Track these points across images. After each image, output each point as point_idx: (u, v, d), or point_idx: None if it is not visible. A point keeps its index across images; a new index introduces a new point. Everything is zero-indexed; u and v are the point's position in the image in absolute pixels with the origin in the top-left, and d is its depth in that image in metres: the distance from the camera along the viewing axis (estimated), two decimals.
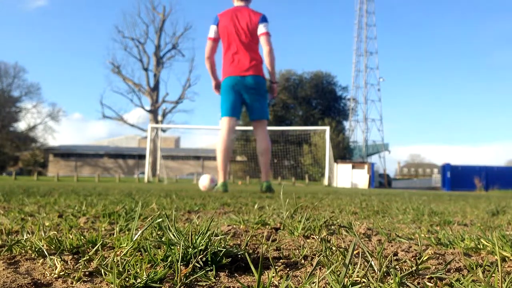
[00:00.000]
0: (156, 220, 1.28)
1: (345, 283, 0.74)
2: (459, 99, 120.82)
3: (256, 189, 7.97)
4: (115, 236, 1.19)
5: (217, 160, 5.66)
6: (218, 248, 0.98)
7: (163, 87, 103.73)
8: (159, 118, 40.70)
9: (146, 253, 0.96)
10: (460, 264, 1.02)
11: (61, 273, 0.87)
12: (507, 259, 1.10)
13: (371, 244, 1.35)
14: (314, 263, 0.92)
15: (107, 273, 0.82)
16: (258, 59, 5.55)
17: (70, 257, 1.04)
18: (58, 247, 1.10)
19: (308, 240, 1.39)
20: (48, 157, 58.11)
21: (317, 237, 1.37)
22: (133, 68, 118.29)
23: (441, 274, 0.86)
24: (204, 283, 0.83)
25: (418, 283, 0.85)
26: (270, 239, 1.35)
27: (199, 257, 0.92)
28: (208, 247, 0.97)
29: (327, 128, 23.70)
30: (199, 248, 0.96)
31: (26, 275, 0.87)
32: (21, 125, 57.13)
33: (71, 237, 1.18)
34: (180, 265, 0.86)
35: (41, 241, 1.09)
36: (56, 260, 0.92)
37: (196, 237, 1.00)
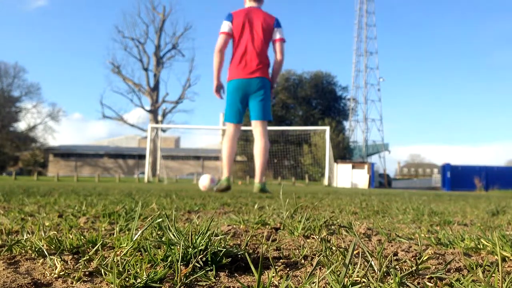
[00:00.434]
0: (156, 220, 1.28)
1: (345, 283, 0.74)
2: (459, 99, 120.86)
3: None
4: (115, 236, 1.19)
5: (222, 158, 5.70)
6: (218, 248, 0.98)
7: (163, 87, 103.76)
8: (159, 118, 40.70)
9: (146, 253, 0.96)
10: (460, 264, 1.02)
11: (61, 273, 0.87)
12: (507, 259, 1.10)
13: (371, 244, 1.35)
14: (314, 263, 0.92)
15: (107, 273, 0.82)
16: (265, 62, 5.50)
17: (70, 257, 1.04)
18: (58, 247, 1.10)
19: (308, 240, 1.39)
20: (48, 157, 58.12)
21: (317, 237, 1.37)
22: (133, 68, 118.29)
23: (441, 274, 0.86)
24: (204, 283, 0.83)
25: (418, 283, 0.85)
26: (270, 239, 1.35)
27: (199, 257, 0.92)
28: (208, 247, 0.97)
29: (327, 128, 23.70)
30: (199, 248, 0.96)
31: (26, 275, 0.87)
32: (21, 125, 57.20)
33: (71, 237, 1.18)
34: (180, 265, 0.86)
35: (41, 241, 1.09)
36: (56, 260, 0.92)
37: (196, 237, 1.00)
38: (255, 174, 5.63)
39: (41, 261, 1.00)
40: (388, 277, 0.85)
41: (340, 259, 0.95)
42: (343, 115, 51.99)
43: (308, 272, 0.83)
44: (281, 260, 1.06)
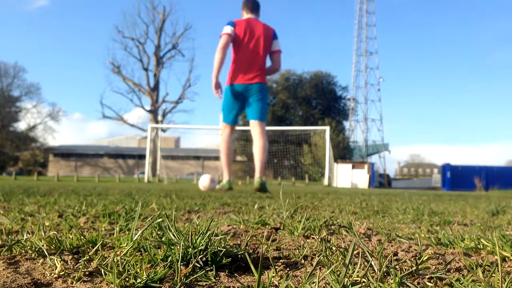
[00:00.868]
0: (156, 220, 1.28)
1: (345, 283, 0.74)
2: (459, 99, 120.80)
3: None
4: (115, 236, 1.19)
5: (221, 161, 5.95)
6: (218, 248, 0.98)
7: (163, 87, 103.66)
8: (159, 118, 40.67)
9: (146, 253, 0.96)
10: (460, 264, 1.02)
11: (61, 273, 0.87)
12: (507, 259, 1.10)
13: (371, 244, 1.35)
14: (314, 263, 0.92)
15: (107, 273, 0.82)
16: (263, 68, 5.85)
17: (70, 257, 1.04)
18: (58, 247, 1.10)
19: (308, 240, 1.39)
20: (48, 157, 58.12)
21: (317, 237, 1.37)
22: (133, 68, 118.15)
23: (441, 274, 0.86)
24: (204, 283, 0.83)
25: (418, 283, 0.85)
26: (270, 239, 1.35)
27: (199, 257, 0.92)
28: (208, 247, 0.97)
29: (327, 128, 23.69)
30: (199, 248, 0.96)
31: (26, 275, 0.87)
32: (21, 125, 57.19)
33: (71, 237, 1.18)
34: (180, 265, 0.86)
35: (41, 241, 1.09)
36: (56, 260, 0.92)
37: (196, 237, 1.00)
38: (255, 172, 5.77)
39: (41, 261, 1.00)
40: (388, 277, 0.85)
41: (340, 259, 0.95)
42: (343, 115, 51.98)
43: (308, 272, 0.83)
44: (281, 260, 1.06)
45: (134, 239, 1.06)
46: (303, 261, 1.06)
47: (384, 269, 0.82)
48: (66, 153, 58.99)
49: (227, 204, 3.04)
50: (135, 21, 70.36)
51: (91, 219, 1.76)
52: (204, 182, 6.59)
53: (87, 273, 0.88)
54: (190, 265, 0.87)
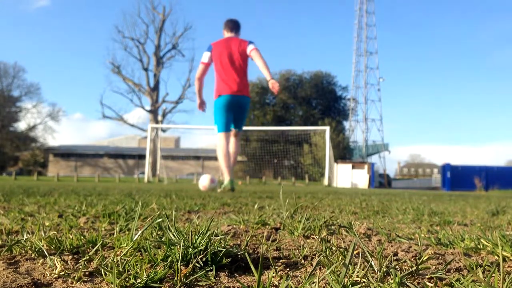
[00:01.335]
0: (156, 220, 1.28)
1: (345, 283, 0.74)
2: (459, 99, 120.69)
3: (256, 189, 7.99)
4: (115, 236, 1.19)
5: (220, 164, 6.41)
6: (218, 248, 0.98)
7: (163, 87, 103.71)
8: (159, 118, 40.66)
9: (146, 253, 0.96)
10: (460, 264, 1.02)
11: (61, 273, 0.87)
12: (507, 259, 1.10)
13: (371, 244, 1.35)
14: (314, 263, 0.92)
15: (107, 273, 0.82)
16: (246, 82, 6.49)
17: (70, 257, 1.04)
18: (58, 247, 1.10)
19: (308, 240, 1.39)
20: (48, 157, 58.11)
21: (317, 237, 1.37)
22: (133, 68, 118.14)
23: (441, 274, 0.86)
24: (204, 283, 0.83)
25: (418, 283, 0.85)
26: (270, 239, 1.35)
27: (199, 257, 0.92)
28: (208, 247, 0.97)
29: (327, 128, 23.69)
30: (199, 248, 0.96)
31: (26, 275, 0.87)
32: (21, 125, 57.14)
33: (71, 237, 1.18)
34: (180, 265, 0.86)
35: (41, 241, 1.09)
36: (56, 260, 0.92)
37: (196, 237, 1.00)
38: (227, 171, 6.44)
39: (41, 261, 1.00)
40: (388, 277, 0.85)
41: (340, 259, 0.95)
42: (343, 115, 51.98)
43: (308, 272, 0.83)
44: (281, 260, 1.06)
45: (134, 239, 1.06)
46: (303, 261, 1.06)
47: (384, 269, 0.82)
48: (66, 153, 58.98)
49: (227, 204, 3.04)
50: (135, 21, 70.36)
51: (91, 219, 1.76)
52: (204, 182, 6.61)
53: (87, 273, 0.88)
54: (190, 265, 0.87)
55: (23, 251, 1.07)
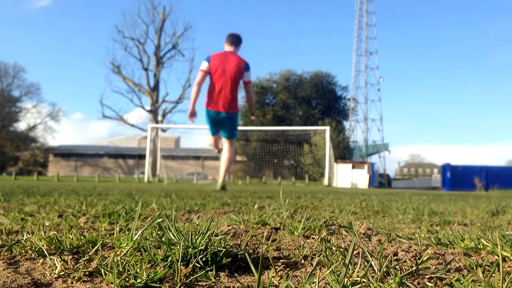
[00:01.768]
0: (156, 220, 1.28)
1: (345, 283, 0.74)
2: (459, 99, 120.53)
3: (256, 189, 8.01)
4: (115, 236, 1.19)
5: (220, 164, 6.93)
6: (218, 248, 0.98)
7: (163, 87, 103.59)
8: (159, 118, 40.66)
9: (146, 253, 0.96)
10: (460, 264, 1.02)
11: (61, 273, 0.87)
12: (507, 259, 1.10)
13: (371, 244, 1.35)
14: (314, 263, 0.92)
15: (107, 273, 0.82)
16: (236, 99, 6.73)
17: (70, 257, 1.04)
18: (58, 247, 1.10)
19: (308, 240, 1.39)
20: (48, 157, 58.11)
21: (317, 237, 1.37)
22: (133, 68, 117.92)
23: (441, 274, 0.86)
24: (204, 283, 0.83)
25: (418, 283, 0.85)
26: (270, 239, 1.35)
27: (199, 257, 0.92)
28: (208, 247, 0.97)
29: (327, 128, 23.68)
30: (199, 248, 0.96)
31: (26, 275, 0.87)
32: (21, 125, 57.12)
33: (71, 237, 1.18)
34: (180, 265, 0.86)
35: (41, 241, 1.09)
36: (56, 260, 0.92)
37: (196, 237, 1.00)
38: (220, 174, 6.89)
39: (41, 261, 1.00)
40: (388, 277, 0.85)
41: (340, 259, 0.95)
42: (343, 115, 51.96)
43: (308, 272, 0.83)
44: (281, 260, 1.06)
45: (134, 239, 1.06)
46: (303, 261, 1.06)
47: (384, 269, 0.82)
48: (66, 153, 58.98)
49: (227, 204, 3.04)
50: (135, 21, 70.24)
51: (91, 219, 1.76)
52: (214, 143, 7.05)
53: (87, 273, 0.88)
54: (190, 265, 0.87)
55: (23, 251, 1.07)
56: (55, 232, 1.21)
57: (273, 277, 0.88)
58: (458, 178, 27.34)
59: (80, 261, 0.98)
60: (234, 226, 1.67)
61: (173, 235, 1.03)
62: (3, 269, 0.92)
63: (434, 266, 1.00)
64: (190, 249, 0.95)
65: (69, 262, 0.99)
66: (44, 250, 1.02)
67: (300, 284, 0.80)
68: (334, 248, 1.11)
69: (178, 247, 0.95)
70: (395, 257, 1.12)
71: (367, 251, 0.91)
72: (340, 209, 2.79)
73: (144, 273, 0.81)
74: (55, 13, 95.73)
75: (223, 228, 1.58)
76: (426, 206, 3.30)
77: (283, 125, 43.38)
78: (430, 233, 1.60)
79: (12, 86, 55.77)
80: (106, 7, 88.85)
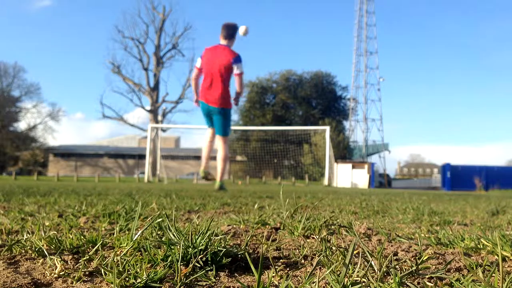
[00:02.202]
0: (156, 220, 1.28)
1: (345, 283, 0.74)
2: (459, 99, 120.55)
3: (256, 189, 8.01)
4: (115, 236, 1.19)
5: (202, 153, 7.02)
6: (218, 248, 0.98)
7: (163, 87, 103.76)
8: (159, 118, 40.67)
9: (146, 253, 0.96)
10: (460, 264, 1.02)
11: (61, 273, 0.87)
12: (507, 259, 1.10)
13: (371, 244, 1.35)
14: (314, 263, 0.92)
15: (107, 273, 0.82)
16: (226, 94, 6.74)
17: (70, 257, 1.04)
18: (58, 247, 1.10)
19: (308, 240, 1.39)
20: (48, 157, 58.10)
21: (317, 237, 1.37)
22: (133, 68, 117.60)
23: (441, 274, 0.86)
24: (204, 283, 0.83)
25: (418, 283, 0.85)
26: (270, 239, 1.35)
27: (199, 257, 0.92)
28: (208, 247, 0.97)
29: (327, 128, 23.68)
30: (199, 248, 0.96)
31: (26, 275, 0.87)
32: (21, 125, 57.09)
33: (71, 237, 1.18)
34: (180, 265, 0.86)
35: (41, 241, 1.09)
36: (56, 260, 0.92)
37: (196, 237, 1.00)
38: (216, 174, 6.94)
39: (41, 261, 1.00)
40: (388, 277, 0.85)
41: (340, 259, 0.95)
42: (343, 115, 51.96)
43: (308, 272, 0.83)
44: (281, 260, 1.06)
45: (134, 239, 1.06)
46: (303, 261, 1.06)
47: (384, 269, 0.82)
48: (66, 153, 58.97)
49: (227, 204, 3.04)
50: (135, 21, 70.16)
51: (91, 219, 1.76)
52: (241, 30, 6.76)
53: (87, 273, 0.88)
54: (190, 265, 0.87)
55: (23, 251, 1.07)
56: (55, 232, 1.21)
57: (273, 277, 0.88)
58: (458, 178, 27.35)
59: (80, 261, 0.98)
60: (234, 226, 1.67)
61: (173, 235, 1.03)
62: (3, 269, 0.92)
63: (434, 266, 1.00)
64: (190, 249, 0.95)
65: (69, 262, 0.99)
66: (44, 250, 1.02)
67: (300, 284, 0.80)
68: (334, 248, 1.11)
69: (178, 247, 0.95)
70: (395, 257, 1.12)
71: (367, 251, 0.91)
72: (340, 209, 2.79)
73: (144, 273, 0.81)
74: (55, 13, 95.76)
75: (223, 228, 1.58)
76: (426, 206, 3.30)
77: (283, 125, 43.35)
78: (430, 233, 1.60)
79: (12, 86, 55.76)
80: (106, 7, 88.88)
